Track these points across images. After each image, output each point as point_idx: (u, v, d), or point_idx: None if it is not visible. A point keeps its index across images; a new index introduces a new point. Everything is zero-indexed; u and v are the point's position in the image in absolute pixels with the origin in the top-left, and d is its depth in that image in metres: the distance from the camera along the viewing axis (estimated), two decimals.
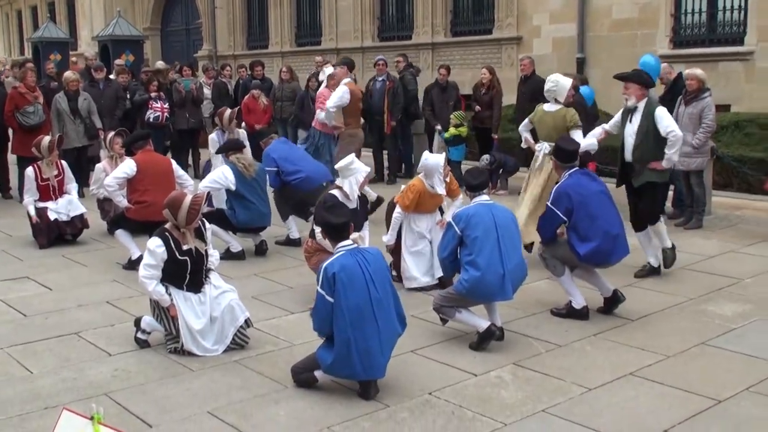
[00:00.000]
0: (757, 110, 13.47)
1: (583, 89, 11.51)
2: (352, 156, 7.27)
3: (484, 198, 6.24)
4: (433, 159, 7.65)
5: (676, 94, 10.42)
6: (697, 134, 9.87)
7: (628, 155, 7.85)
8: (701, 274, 8.02)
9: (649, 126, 7.67)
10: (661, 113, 7.66)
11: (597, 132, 8.19)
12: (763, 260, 8.62)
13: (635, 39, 15.56)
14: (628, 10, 15.66)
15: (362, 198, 7.36)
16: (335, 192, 7.05)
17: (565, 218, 6.61)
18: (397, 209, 7.69)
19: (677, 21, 15.18)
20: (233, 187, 8.86)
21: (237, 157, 9.02)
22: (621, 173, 7.98)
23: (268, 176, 9.28)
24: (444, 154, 8.06)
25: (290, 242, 9.53)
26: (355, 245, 5.27)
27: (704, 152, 10.08)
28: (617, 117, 8.08)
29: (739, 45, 14.33)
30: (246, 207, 8.92)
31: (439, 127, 13.30)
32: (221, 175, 8.88)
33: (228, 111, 11.04)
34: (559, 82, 8.45)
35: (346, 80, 11.27)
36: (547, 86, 8.51)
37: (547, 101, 8.60)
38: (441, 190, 7.67)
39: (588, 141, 7.90)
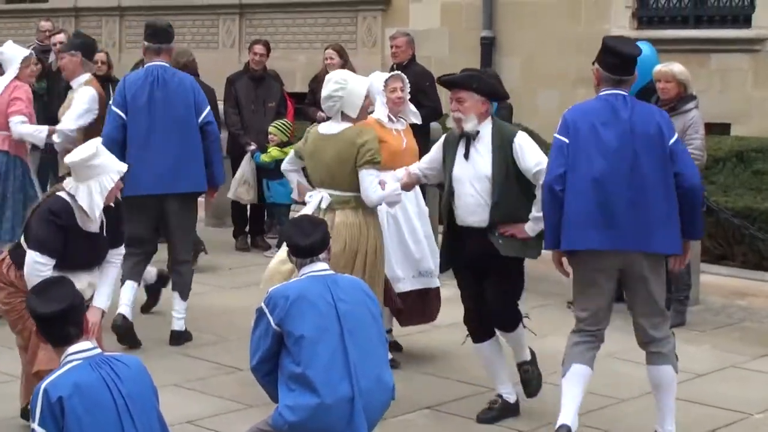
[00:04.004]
0: None
1: None
2: (95, 141, 6.16)
3: (319, 267, 5.33)
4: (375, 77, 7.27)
5: None
6: None
7: (469, 215, 6.51)
8: (686, 405, 6.85)
9: (508, 162, 6.41)
10: (524, 141, 6.41)
11: (398, 174, 6.95)
12: None
13: (578, 11, 13.73)
14: None
15: (114, 212, 6.13)
16: (62, 194, 5.90)
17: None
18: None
19: None
20: None
21: None
22: (450, 247, 6.71)
23: None
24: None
25: None
26: (96, 350, 4.44)
27: None
28: (435, 151, 6.80)
29: (744, 27, 12.80)
30: None
31: (252, 147, 11.24)
32: None
33: None
34: (348, 83, 6.87)
35: (86, 77, 9.08)
36: (327, 89, 6.87)
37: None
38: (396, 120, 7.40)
39: (388, 190, 6.69)
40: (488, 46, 14.35)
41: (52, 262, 5.66)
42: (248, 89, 11.21)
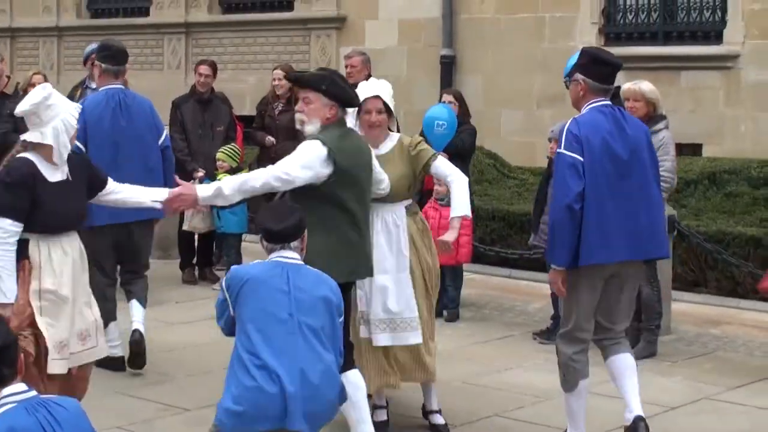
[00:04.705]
0: (751, 153, 11.89)
1: (435, 112, 9.79)
2: (44, 84, 6.09)
3: (286, 255, 5.28)
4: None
5: None
6: None
7: None
8: None
9: None
10: (297, 149, 6.05)
11: None
12: (761, 414, 7.35)
13: (541, 27, 13.55)
14: None
15: (77, 159, 6.01)
16: (29, 155, 5.75)
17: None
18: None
19: (613, 1, 13.58)
20: None
21: None
22: None
23: None
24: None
25: None
26: (32, 392, 3.98)
27: None
28: None
29: (715, 43, 12.66)
30: None
31: (200, 174, 10.74)
32: None
33: None
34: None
35: None
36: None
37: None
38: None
39: None
40: (448, 65, 14.25)
41: (16, 227, 5.56)
42: (195, 113, 10.96)
